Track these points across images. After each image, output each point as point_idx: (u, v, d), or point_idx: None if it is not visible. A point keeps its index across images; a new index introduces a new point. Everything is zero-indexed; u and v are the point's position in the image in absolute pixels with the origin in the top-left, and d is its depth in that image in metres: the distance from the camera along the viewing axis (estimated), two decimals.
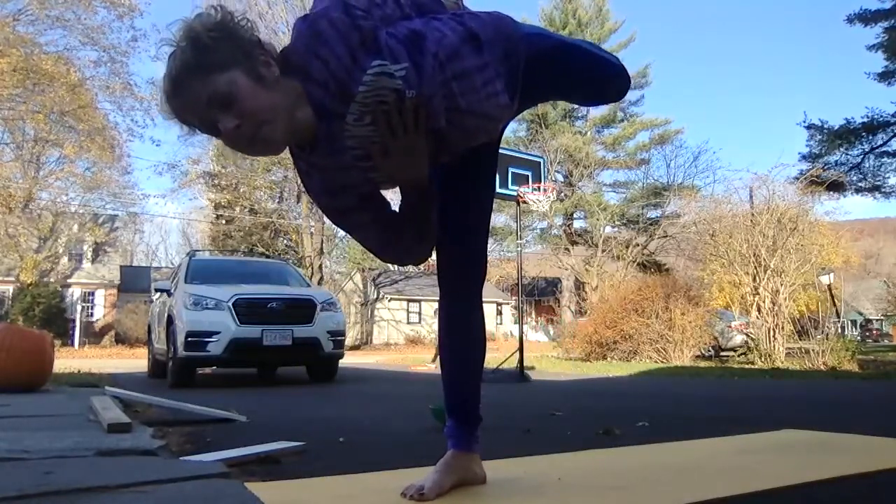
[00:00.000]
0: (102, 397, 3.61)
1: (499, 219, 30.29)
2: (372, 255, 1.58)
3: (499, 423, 3.06)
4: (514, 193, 8.75)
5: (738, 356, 12.11)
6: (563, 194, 29.42)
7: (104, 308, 30.63)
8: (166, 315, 7.24)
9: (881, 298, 43.49)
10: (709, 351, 12.81)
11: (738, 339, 12.77)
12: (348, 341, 17.79)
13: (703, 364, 10.68)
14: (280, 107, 1.23)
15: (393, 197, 1.48)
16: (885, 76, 18.82)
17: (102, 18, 20.67)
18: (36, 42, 19.86)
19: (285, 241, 32.84)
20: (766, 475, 1.74)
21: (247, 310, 6.65)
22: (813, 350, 9.72)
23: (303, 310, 6.95)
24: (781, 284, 10.99)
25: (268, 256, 24.16)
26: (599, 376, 8.52)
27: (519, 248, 10.28)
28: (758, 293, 11.20)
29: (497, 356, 9.85)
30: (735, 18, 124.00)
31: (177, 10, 1.39)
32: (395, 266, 27.89)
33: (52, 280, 28.03)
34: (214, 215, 32.25)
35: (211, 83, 1.19)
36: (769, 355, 10.39)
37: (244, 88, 1.20)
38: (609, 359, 11.81)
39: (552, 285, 34.00)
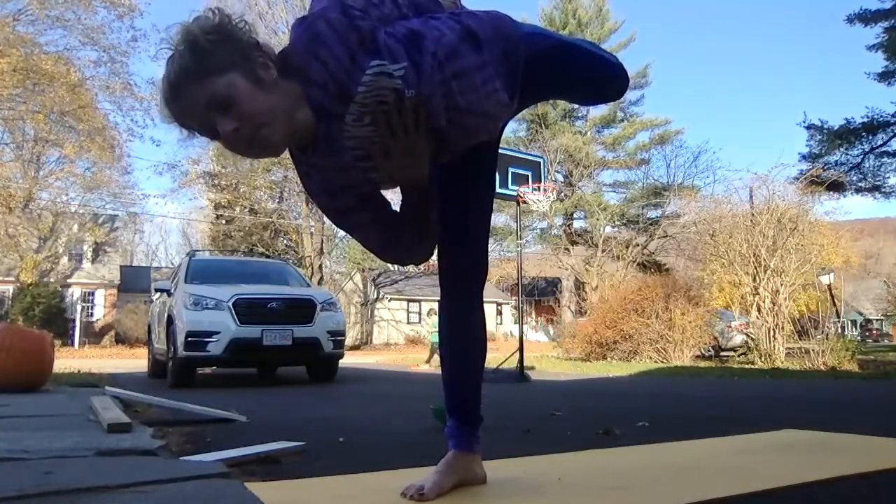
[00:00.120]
0: (102, 397, 3.61)
1: (499, 219, 30.30)
2: (372, 255, 1.57)
3: (499, 423, 3.06)
4: (514, 193, 8.75)
5: (738, 356, 12.12)
6: (563, 194, 29.42)
7: (104, 308, 30.64)
8: (166, 315, 7.24)
9: (881, 298, 43.49)
10: (709, 351, 12.81)
11: (738, 339, 12.78)
12: (348, 341, 17.79)
13: (703, 364, 10.68)
14: (279, 109, 1.23)
15: (393, 197, 1.48)
16: (885, 76, 18.82)
17: (102, 18, 20.71)
18: (36, 42, 19.87)
19: (285, 241, 32.84)
20: (766, 475, 1.74)
21: (247, 310, 6.65)
22: (813, 350, 9.72)
23: (303, 310, 6.95)
24: (781, 284, 10.99)
25: (268, 256, 24.17)
26: (599, 376, 8.52)
27: (519, 248, 10.29)
28: (758, 293, 11.20)
29: (497, 356, 9.85)
30: (735, 18, 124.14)
31: (177, 10, 1.38)
32: (395, 266, 27.91)
33: (52, 280, 28.03)
34: (214, 215, 32.26)
35: (209, 86, 1.19)
36: (769, 355, 10.39)
37: (242, 91, 1.20)
38: (609, 359, 11.81)
39: (552, 285, 34.00)
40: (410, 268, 32.33)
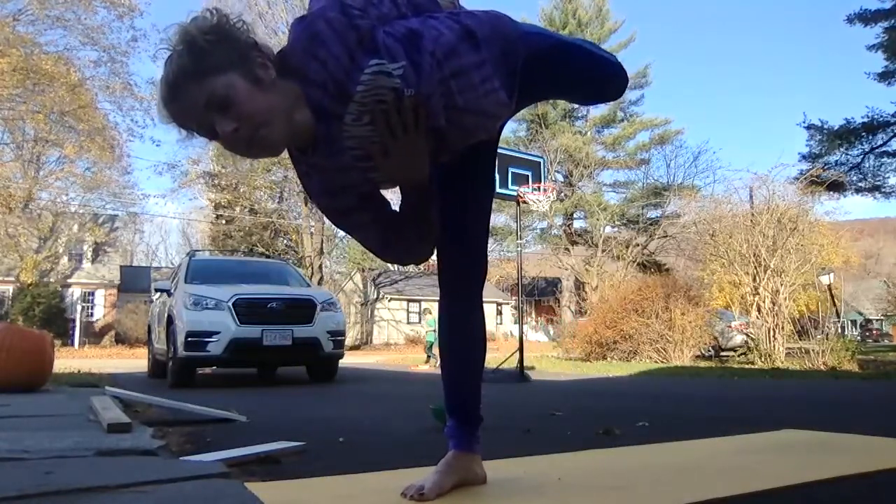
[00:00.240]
0: (102, 397, 3.61)
1: (499, 219, 30.31)
2: (372, 255, 1.57)
3: (499, 423, 3.06)
4: (514, 193, 8.75)
5: (738, 356, 12.12)
6: (563, 194, 29.42)
7: (104, 308, 30.64)
8: (166, 315, 7.24)
9: (881, 298, 43.47)
10: (709, 351, 12.81)
11: (738, 339, 12.78)
12: (348, 341, 17.79)
13: (703, 364, 10.68)
14: (278, 108, 1.23)
15: (392, 197, 1.48)
16: (885, 76, 18.82)
17: (102, 18, 20.72)
18: (36, 42, 19.87)
19: (285, 241, 32.85)
20: (766, 475, 1.74)
21: (247, 310, 6.65)
22: (813, 350, 9.72)
23: (303, 310, 6.95)
24: (781, 284, 10.99)
25: (268, 256, 24.18)
26: (599, 376, 8.52)
27: (519, 248, 10.29)
28: (758, 293, 11.20)
29: (497, 356, 9.85)
30: (735, 18, 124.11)
31: (177, 10, 1.38)
32: (395, 266, 27.95)
33: (52, 280, 28.03)
34: (214, 215, 32.26)
35: (208, 87, 1.19)
36: (769, 355, 10.39)
37: (241, 91, 1.20)
38: (609, 359, 11.81)
39: (552, 285, 34.00)
40: (410, 268, 32.33)
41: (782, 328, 10.73)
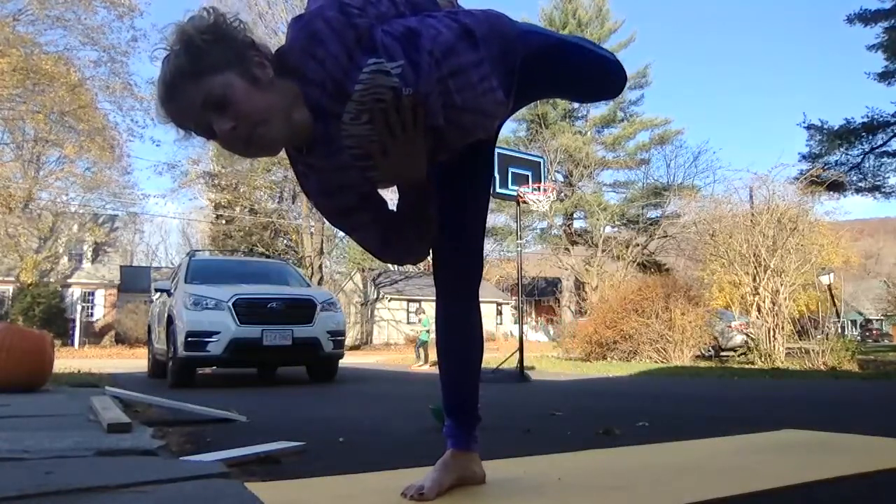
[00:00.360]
0: (102, 397, 3.61)
1: (499, 219, 30.32)
2: (371, 255, 1.57)
3: (499, 423, 3.06)
4: (514, 193, 8.75)
5: (738, 356, 12.12)
6: (563, 194, 29.42)
7: (104, 308, 30.63)
8: (166, 315, 7.24)
9: (881, 298, 43.47)
10: (709, 351, 12.81)
11: (738, 339, 12.78)
12: (348, 341, 17.79)
13: (703, 364, 10.68)
14: (275, 107, 1.23)
15: (391, 197, 1.47)
16: (885, 76, 18.83)
17: (102, 18, 20.72)
18: (36, 42, 19.87)
19: (285, 241, 32.85)
20: (766, 475, 1.74)
21: (247, 310, 6.65)
22: (813, 350, 9.72)
23: (303, 310, 6.95)
24: (781, 284, 11.00)
25: (268, 256, 24.18)
26: (599, 376, 8.52)
27: (519, 248, 10.29)
28: (758, 293, 11.21)
29: (497, 356, 9.86)
30: (735, 18, 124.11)
31: (177, 10, 1.38)
32: (395, 266, 27.90)
33: (52, 280, 28.03)
34: (214, 215, 32.26)
35: (205, 86, 1.19)
36: (769, 355, 10.39)
37: (238, 90, 1.20)
38: (609, 359, 11.81)
39: (552, 285, 34.00)
40: (410, 268, 32.34)
41: (782, 328, 10.73)
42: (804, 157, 19.27)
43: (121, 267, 32.53)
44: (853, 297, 45.07)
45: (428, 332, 13.51)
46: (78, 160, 23.68)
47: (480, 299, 1.68)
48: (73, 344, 25.42)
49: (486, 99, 1.34)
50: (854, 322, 43.72)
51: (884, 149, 19.14)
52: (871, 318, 46.73)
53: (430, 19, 1.30)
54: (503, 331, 33.74)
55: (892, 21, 17.67)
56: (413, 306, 32.78)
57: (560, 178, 31.43)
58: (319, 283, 26.63)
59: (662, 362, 10.91)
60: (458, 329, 1.64)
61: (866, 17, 18.09)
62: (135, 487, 1.47)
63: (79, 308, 29.01)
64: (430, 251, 1.56)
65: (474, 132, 1.41)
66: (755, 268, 11.37)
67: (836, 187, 16.32)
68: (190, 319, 6.53)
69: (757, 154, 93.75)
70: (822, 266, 13.44)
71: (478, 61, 1.30)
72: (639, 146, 32.87)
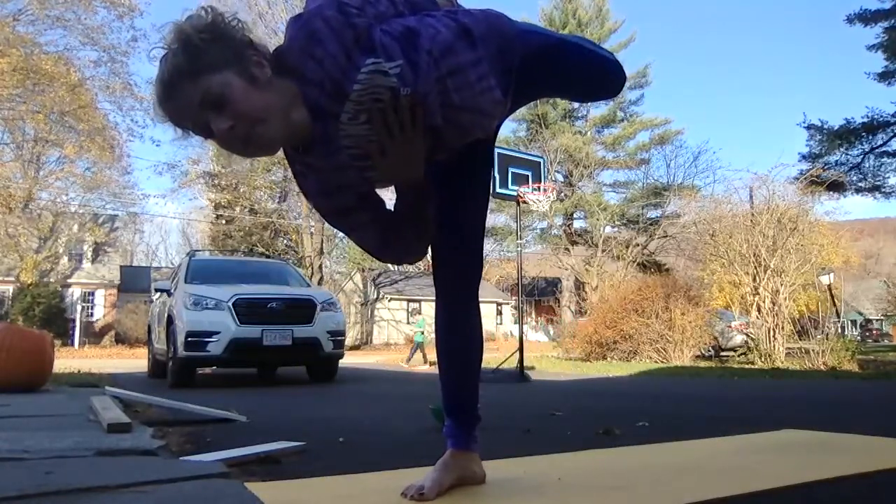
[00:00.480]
0: (102, 397, 3.61)
1: (499, 219, 30.32)
2: (370, 255, 1.56)
3: (499, 423, 3.06)
4: (514, 193, 8.75)
5: (738, 356, 12.12)
6: (563, 194, 29.42)
7: (104, 308, 30.63)
8: (166, 315, 7.24)
9: (881, 298, 43.47)
10: (709, 351, 12.81)
11: (738, 339, 12.78)
12: (348, 341, 17.79)
13: (703, 364, 10.68)
14: (274, 107, 1.23)
15: (390, 196, 1.47)
16: (885, 76, 18.83)
17: (102, 18, 20.72)
18: (36, 42, 19.87)
19: (285, 241, 32.84)
20: (766, 475, 1.74)
21: (247, 310, 6.65)
22: (813, 350, 9.72)
23: (303, 310, 6.95)
24: (781, 284, 11.00)
25: (268, 256, 24.18)
26: (599, 376, 8.52)
27: (519, 248, 10.29)
28: (758, 293, 11.21)
29: (497, 356, 9.86)
30: (735, 18, 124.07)
31: (177, 11, 1.38)
32: (395, 266, 27.93)
33: (52, 280, 28.03)
34: (214, 215, 32.25)
35: (203, 85, 1.19)
36: (769, 355, 10.39)
37: (236, 89, 1.19)
38: (609, 359, 11.82)
39: (552, 285, 33.99)
40: (410, 268, 32.37)
41: (782, 328, 10.73)
42: (804, 157, 19.30)
43: (121, 267, 32.52)
44: (853, 297, 45.07)
45: (423, 332, 13.54)
46: (78, 160, 23.69)
47: (480, 299, 1.68)
48: (73, 344, 25.41)
49: (483, 98, 1.34)
50: (854, 322, 43.72)
51: (884, 149, 19.15)
52: (871, 318, 46.74)
53: (429, 19, 1.29)
54: (503, 331, 33.73)
55: (892, 21, 17.67)
56: (413, 306, 32.82)
57: (560, 178, 31.43)
58: (319, 283, 26.62)
59: (662, 362, 10.91)
60: (458, 329, 1.64)
61: (866, 17, 18.09)
62: (135, 487, 1.47)
63: (79, 308, 29.01)
64: (427, 250, 1.56)
65: (473, 131, 1.41)
66: (755, 268, 11.38)
67: (836, 187, 16.32)
68: (190, 319, 6.53)
69: (757, 154, 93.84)
70: (822, 266, 13.44)
71: (476, 60, 1.30)
72: (639, 146, 32.89)
